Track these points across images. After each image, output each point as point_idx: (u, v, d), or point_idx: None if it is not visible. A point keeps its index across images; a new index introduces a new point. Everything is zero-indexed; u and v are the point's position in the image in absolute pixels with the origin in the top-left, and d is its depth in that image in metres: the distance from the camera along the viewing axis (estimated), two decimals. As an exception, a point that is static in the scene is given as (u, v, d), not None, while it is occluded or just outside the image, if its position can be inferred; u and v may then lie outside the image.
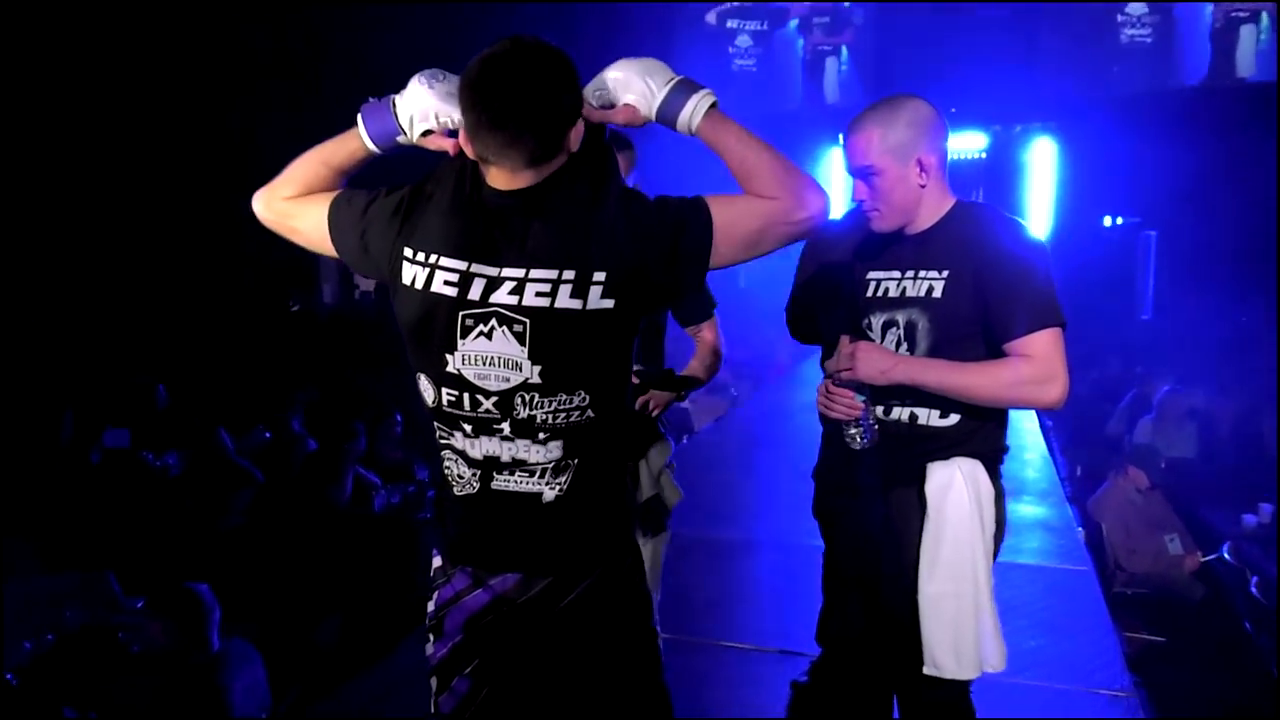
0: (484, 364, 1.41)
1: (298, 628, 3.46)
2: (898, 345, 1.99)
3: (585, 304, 1.40)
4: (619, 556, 1.57)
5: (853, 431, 1.98)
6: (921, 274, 1.98)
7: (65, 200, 9.78)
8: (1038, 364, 1.86)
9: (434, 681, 1.59)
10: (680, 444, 2.79)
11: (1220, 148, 9.02)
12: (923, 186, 1.96)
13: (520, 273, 1.40)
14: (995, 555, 2.01)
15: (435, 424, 1.51)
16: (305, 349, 9.25)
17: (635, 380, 2.43)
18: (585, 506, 1.50)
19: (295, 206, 1.61)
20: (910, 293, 1.99)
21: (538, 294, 1.39)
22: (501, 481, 1.47)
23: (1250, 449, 5.59)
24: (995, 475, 2.02)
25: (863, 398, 1.97)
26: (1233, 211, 9.04)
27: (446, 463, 1.52)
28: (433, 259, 1.43)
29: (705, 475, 5.36)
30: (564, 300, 1.39)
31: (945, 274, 1.95)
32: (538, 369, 1.41)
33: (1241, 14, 10.16)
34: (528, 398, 1.42)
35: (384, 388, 7.24)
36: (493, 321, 1.41)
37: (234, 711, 2.76)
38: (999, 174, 11.61)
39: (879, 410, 2.02)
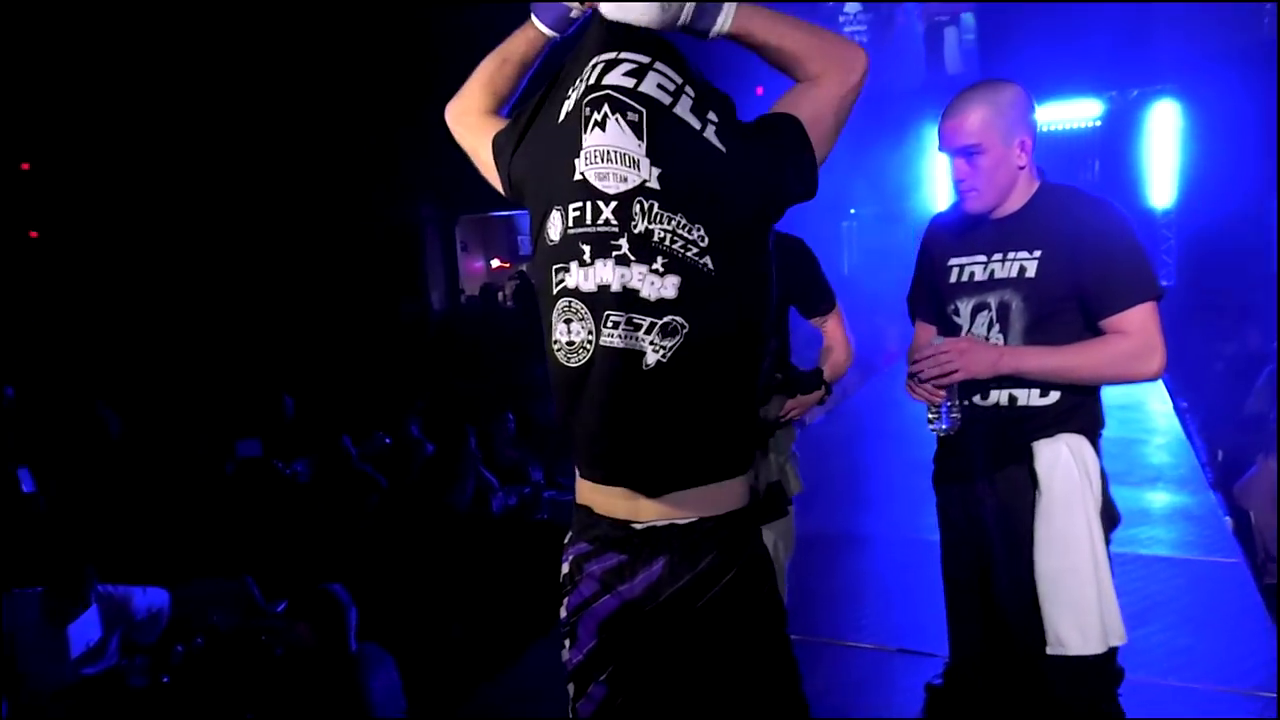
0: (602, 160, 1.38)
1: (426, 631, 3.55)
2: (989, 327, 2.04)
3: (701, 129, 1.39)
4: (742, 534, 1.53)
5: (933, 416, 2.03)
6: (1011, 255, 2.02)
7: (203, 228, 10.31)
8: (1135, 339, 1.90)
9: (571, 687, 1.59)
10: (800, 431, 2.80)
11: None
12: (1021, 168, 2.02)
13: (644, 59, 1.40)
14: (1107, 530, 2.01)
15: (554, 268, 1.45)
16: (418, 355, 9.51)
17: (779, 377, 2.45)
18: (689, 393, 1.43)
19: (469, 136, 1.67)
20: (999, 274, 2.04)
21: (659, 86, 1.39)
22: (608, 335, 1.40)
23: None
24: (1097, 447, 2.04)
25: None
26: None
27: (557, 333, 1.46)
28: (573, 88, 1.46)
29: (818, 468, 5.27)
30: (683, 109, 1.39)
31: (1038, 254, 1.99)
32: (656, 172, 1.37)
33: None
34: (646, 205, 1.38)
35: (494, 388, 7.38)
36: (605, 108, 1.38)
37: (375, 712, 2.85)
38: (1116, 143, 11.03)
39: (976, 397, 2.06)
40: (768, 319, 1.54)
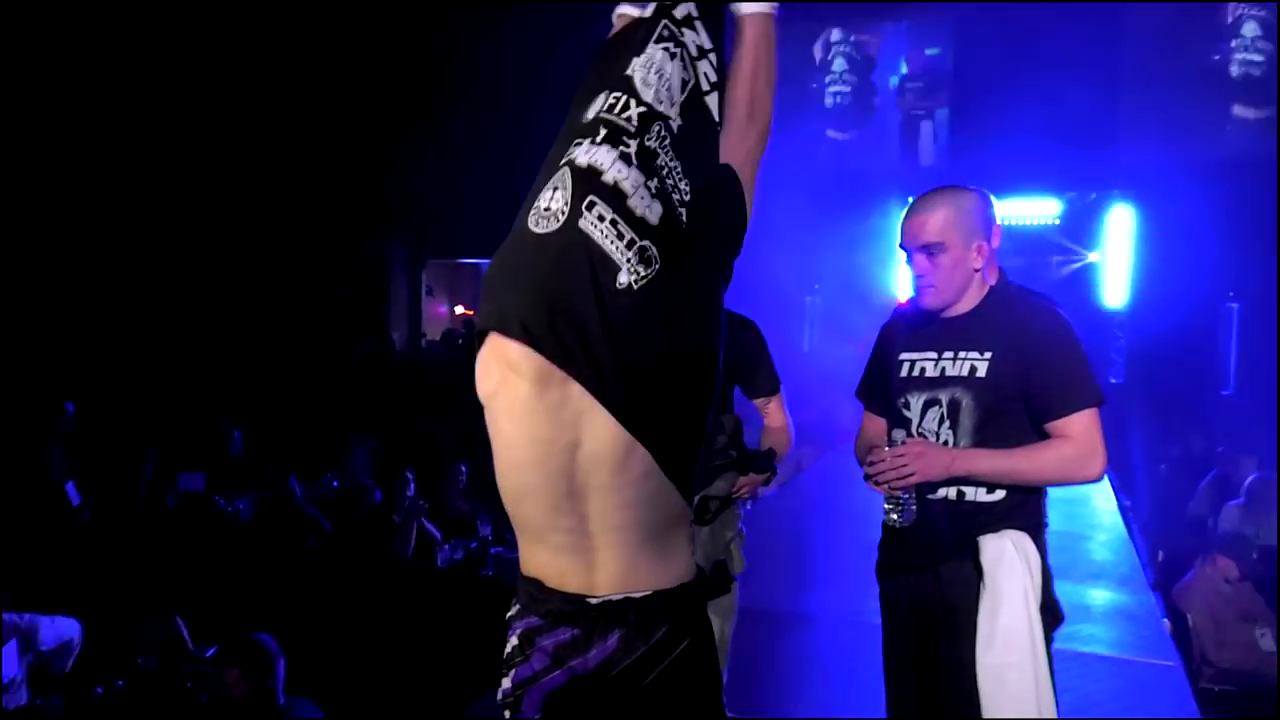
0: (652, 72, 1.47)
1: (360, 686, 3.45)
2: (940, 423, 2.11)
3: (717, 124, 1.56)
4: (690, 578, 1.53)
5: (889, 506, 2.10)
6: (962, 354, 2.11)
7: (151, 251, 10.14)
8: (1078, 443, 1.99)
9: (509, 757, 1.56)
10: (746, 509, 2.84)
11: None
12: (976, 270, 2.12)
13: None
14: (1050, 627, 2.05)
15: (572, 143, 1.43)
16: (374, 398, 9.39)
17: (734, 454, 2.48)
18: (650, 343, 1.38)
19: None
20: (950, 372, 2.12)
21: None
22: (592, 223, 1.35)
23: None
24: (1040, 545, 2.10)
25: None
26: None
27: (542, 199, 1.39)
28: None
29: (769, 544, 5.25)
30: (713, 104, 1.55)
31: (989, 355, 2.08)
32: (678, 123, 1.48)
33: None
34: (660, 133, 1.44)
35: (450, 437, 7.29)
36: (679, 51, 1.50)
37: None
38: (1073, 242, 11.42)
39: (925, 490, 2.10)
40: (715, 354, 1.50)
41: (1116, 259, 11.17)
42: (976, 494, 2.07)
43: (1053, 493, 2.15)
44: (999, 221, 2.17)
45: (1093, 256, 11.47)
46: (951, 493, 2.09)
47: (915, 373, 2.17)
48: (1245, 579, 4.45)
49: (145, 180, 10.00)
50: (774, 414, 2.75)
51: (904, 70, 11.81)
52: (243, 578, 4.32)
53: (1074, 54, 10.15)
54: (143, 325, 9.86)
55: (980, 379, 2.06)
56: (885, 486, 2.06)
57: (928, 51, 11.76)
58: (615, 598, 1.47)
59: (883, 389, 2.29)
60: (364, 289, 13.25)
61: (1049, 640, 2.03)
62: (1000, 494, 2.06)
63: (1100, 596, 4.70)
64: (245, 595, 4.23)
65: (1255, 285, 9.73)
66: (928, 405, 2.12)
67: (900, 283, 11.46)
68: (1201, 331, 10.10)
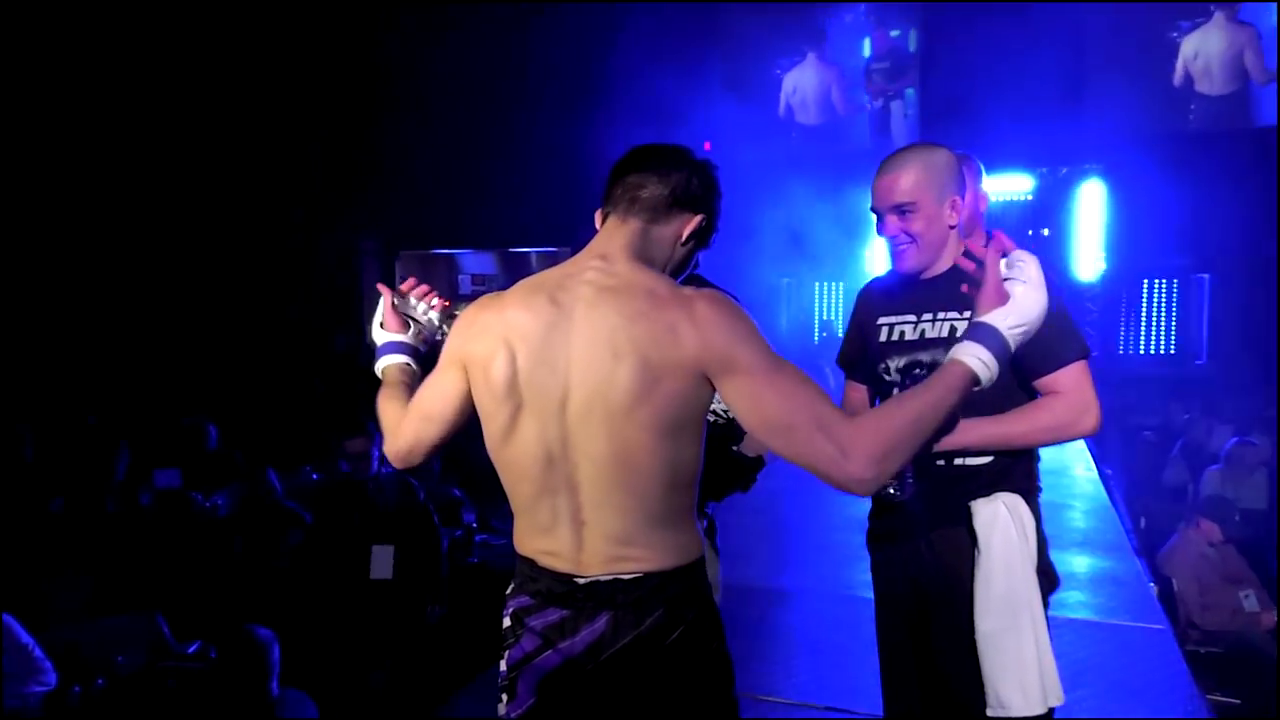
0: None
1: (349, 674, 3.40)
2: None
3: None
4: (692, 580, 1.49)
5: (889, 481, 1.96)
6: (941, 315, 2.05)
7: (121, 245, 9.98)
8: (1070, 398, 1.95)
9: (510, 742, 1.53)
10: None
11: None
12: (952, 227, 2.05)
13: None
14: (1046, 592, 2.01)
15: None
16: (351, 389, 9.29)
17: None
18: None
19: None
20: (930, 334, 2.06)
21: None
22: None
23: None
24: (1034, 508, 2.06)
25: None
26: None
27: None
28: None
29: (744, 521, 5.24)
30: None
31: (968, 314, 1.92)
32: None
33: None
34: None
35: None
36: None
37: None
38: (1046, 217, 11.48)
39: None
40: None
41: (1088, 232, 11.26)
42: (965, 459, 2.02)
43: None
44: (984, 191, 2.13)
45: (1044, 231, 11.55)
46: (940, 459, 2.03)
47: (895, 337, 2.11)
48: (1228, 542, 4.51)
49: (111, 175, 9.82)
50: None
51: (867, 53, 11.83)
52: (225, 571, 4.24)
53: (1040, 29, 10.19)
54: (113, 322, 9.71)
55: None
56: None
57: (892, 34, 11.76)
58: (603, 578, 1.44)
59: (862, 356, 2.23)
60: (338, 284, 13.12)
61: (1046, 605, 2.00)
62: (989, 457, 2.00)
63: (1086, 563, 4.73)
64: (228, 589, 4.15)
65: (1225, 257, 9.87)
66: (909, 368, 2.07)
67: (876, 262, 11.51)
68: (1173, 304, 10.23)
